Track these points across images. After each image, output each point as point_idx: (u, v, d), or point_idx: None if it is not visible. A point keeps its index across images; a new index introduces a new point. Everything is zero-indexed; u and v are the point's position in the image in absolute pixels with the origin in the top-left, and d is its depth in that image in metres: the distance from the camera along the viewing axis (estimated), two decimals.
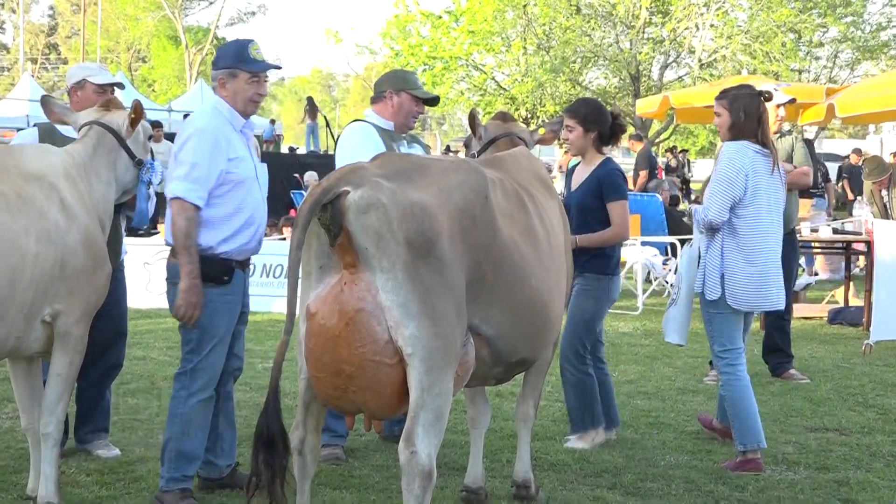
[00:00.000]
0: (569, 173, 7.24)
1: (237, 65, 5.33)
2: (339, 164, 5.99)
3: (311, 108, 25.90)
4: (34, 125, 6.86)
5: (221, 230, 5.25)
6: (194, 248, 5.14)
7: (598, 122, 6.62)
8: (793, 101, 8.68)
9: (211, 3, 63.48)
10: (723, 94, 6.40)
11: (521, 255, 4.70)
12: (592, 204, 6.52)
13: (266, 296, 12.80)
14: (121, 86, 6.66)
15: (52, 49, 67.94)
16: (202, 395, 5.31)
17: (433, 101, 6.57)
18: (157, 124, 20.15)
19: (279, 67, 5.63)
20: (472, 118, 6.12)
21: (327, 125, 32.71)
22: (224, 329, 5.32)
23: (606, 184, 6.54)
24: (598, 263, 6.54)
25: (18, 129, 17.39)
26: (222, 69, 5.39)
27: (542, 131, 6.14)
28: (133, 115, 5.57)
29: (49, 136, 6.06)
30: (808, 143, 9.06)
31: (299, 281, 4.26)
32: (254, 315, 12.16)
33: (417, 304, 4.12)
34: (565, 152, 17.54)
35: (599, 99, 30.87)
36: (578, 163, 6.87)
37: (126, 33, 62.03)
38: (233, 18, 64.77)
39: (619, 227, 6.50)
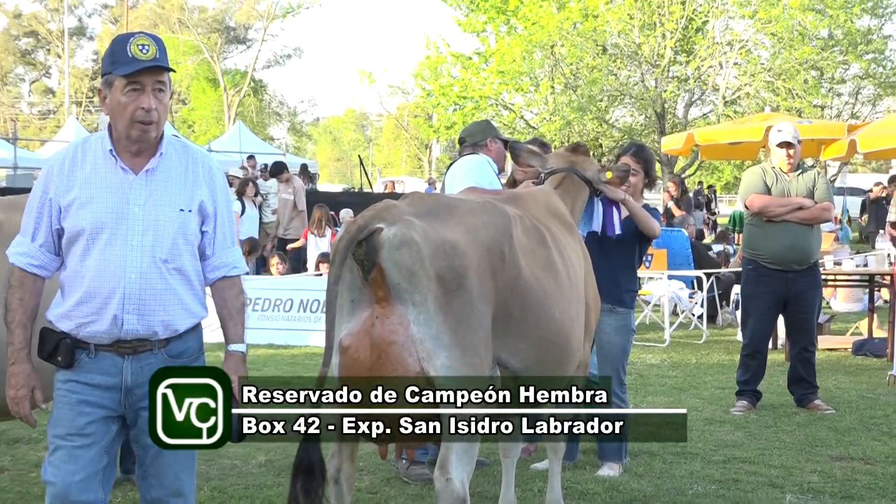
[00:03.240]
0: None
1: (110, 68, 3.85)
2: (449, 189, 6.22)
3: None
4: None
5: (61, 299, 3.92)
6: (17, 323, 3.88)
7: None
8: (789, 142, 8.66)
9: (248, 47, 64.20)
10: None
11: (544, 290, 4.73)
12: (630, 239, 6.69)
13: (302, 330, 12.92)
14: None
15: (95, 92, 68.64)
16: None
17: (506, 143, 6.94)
18: None
19: (165, 67, 3.87)
20: (513, 151, 6.18)
21: (361, 164, 33.01)
22: (65, 428, 3.86)
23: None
24: (629, 297, 6.76)
25: None
26: (102, 78, 3.93)
27: (609, 175, 6.15)
28: None
29: None
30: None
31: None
32: (290, 349, 12.37)
33: (449, 335, 4.14)
34: None
35: (624, 136, 31.07)
36: None
37: None
38: (269, 61, 65.28)
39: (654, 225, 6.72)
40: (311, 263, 16.45)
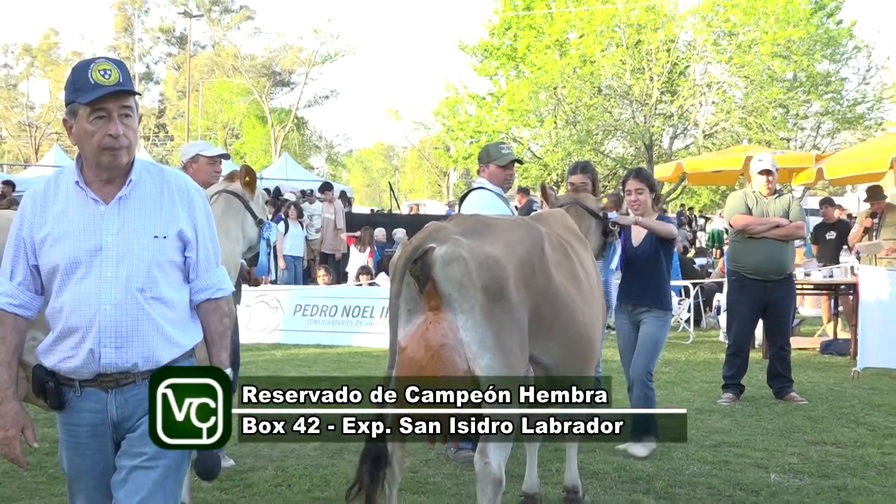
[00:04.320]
0: None
1: (73, 97, 3.16)
2: None
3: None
4: None
5: (48, 337, 3.27)
6: (0, 362, 3.21)
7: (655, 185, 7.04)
8: (769, 169, 8.73)
9: (292, 89, 64.23)
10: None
11: (570, 296, 4.76)
12: (654, 250, 6.73)
13: (346, 332, 13.00)
14: (227, 156, 6.70)
15: (160, 128, 68.80)
16: None
17: (518, 160, 6.91)
18: (268, 191, 20.86)
19: (130, 91, 3.16)
20: (543, 190, 6.39)
21: (391, 189, 33.05)
22: (74, 470, 3.29)
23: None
24: (666, 300, 6.77)
25: None
26: (66, 107, 3.24)
27: (605, 200, 6.34)
28: (247, 178, 5.65)
29: None
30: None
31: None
32: (335, 349, 12.41)
33: (492, 339, 4.15)
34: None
35: (617, 165, 31.06)
36: None
37: (222, 114, 62.87)
38: (310, 101, 65.22)
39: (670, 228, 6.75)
40: (352, 275, 16.54)
